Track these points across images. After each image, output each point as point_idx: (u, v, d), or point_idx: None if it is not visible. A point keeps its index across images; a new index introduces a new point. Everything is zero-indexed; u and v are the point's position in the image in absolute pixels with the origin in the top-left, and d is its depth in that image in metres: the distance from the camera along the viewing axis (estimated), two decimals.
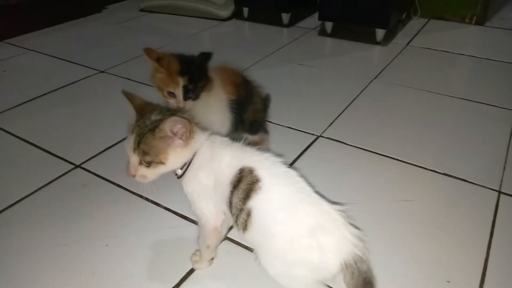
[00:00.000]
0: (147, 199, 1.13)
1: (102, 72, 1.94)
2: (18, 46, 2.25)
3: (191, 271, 0.93)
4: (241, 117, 1.16)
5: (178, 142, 0.77)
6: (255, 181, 0.75)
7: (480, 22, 2.41)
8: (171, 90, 1.04)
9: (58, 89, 1.79)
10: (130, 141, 0.76)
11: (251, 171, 0.76)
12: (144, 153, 0.75)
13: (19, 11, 2.37)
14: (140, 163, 0.77)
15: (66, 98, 1.72)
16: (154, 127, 0.75)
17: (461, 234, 1.01)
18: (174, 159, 0.77)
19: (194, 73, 1.04)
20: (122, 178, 1.20)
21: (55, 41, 2.34)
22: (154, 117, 0.77)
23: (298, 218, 0.73)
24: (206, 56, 1.07)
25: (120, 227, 1.06)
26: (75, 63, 2.04)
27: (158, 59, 1.04)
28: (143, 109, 0.79)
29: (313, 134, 1.42)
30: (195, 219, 1.03)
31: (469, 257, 0.95)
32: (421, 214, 1.08)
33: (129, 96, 0.80)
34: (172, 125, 0.74)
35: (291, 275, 0.75)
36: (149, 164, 0.76)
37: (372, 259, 0.74)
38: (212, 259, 0.94)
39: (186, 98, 1.05)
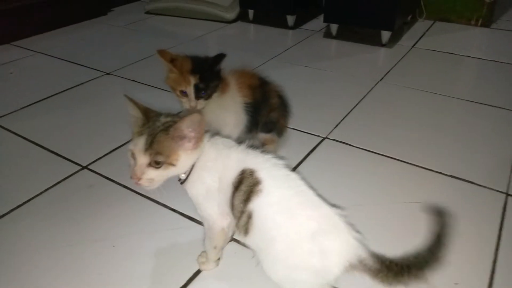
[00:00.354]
0: (153, 200, 1.13)
1: (108, 74, 1.95)
2: (25, 48, 2.27)
3: (198, 272, 0.93)
4: (256, 119, 1.17)
5: (187, 144, 0.76)
6: (255, 183, 0.74)
7: (486, 24, 2.40)
8: (183, 89, 1.06)
9: (64, 90, 1.80)
10: (140, 142, 0.74)
11: (252, 173, 0.75)
12: (157, 153, 0.74)
13: (26, 13, 2.39)
14: (149, 165, 0.75)
15: (72, 100, 1.73)
16: (166, 128, 0.75)
17: (468, 237, 1.01)
18: (184, 160, 0.77)
19: (206, 72, 1.06)
20: (128, 179, 1.19)
21: (61, 43, 2.36)
22: (164, 119, 0.77)
23: (299, 222, 0.73)
24: (218, 57, 1.08)
25: (126, 228, 1.06)
26: (81, 65, 2.05)
27: (172, 60, 1.06)
28: (148, 113, 0.79)
29: (318, 136, 1.42)
30: (201, 220, 1.03)
31: (477, 259, 0.95)
32: (428, 216, 1.07)
33: (133, 101, 0.80)
34: (189, 124, 0.74)
35: (293, 279, 0.75)
36: (159, 166, 0.75)
37: None
38: (219, 260, 0.94)
39: (198, 97, 1.07)
